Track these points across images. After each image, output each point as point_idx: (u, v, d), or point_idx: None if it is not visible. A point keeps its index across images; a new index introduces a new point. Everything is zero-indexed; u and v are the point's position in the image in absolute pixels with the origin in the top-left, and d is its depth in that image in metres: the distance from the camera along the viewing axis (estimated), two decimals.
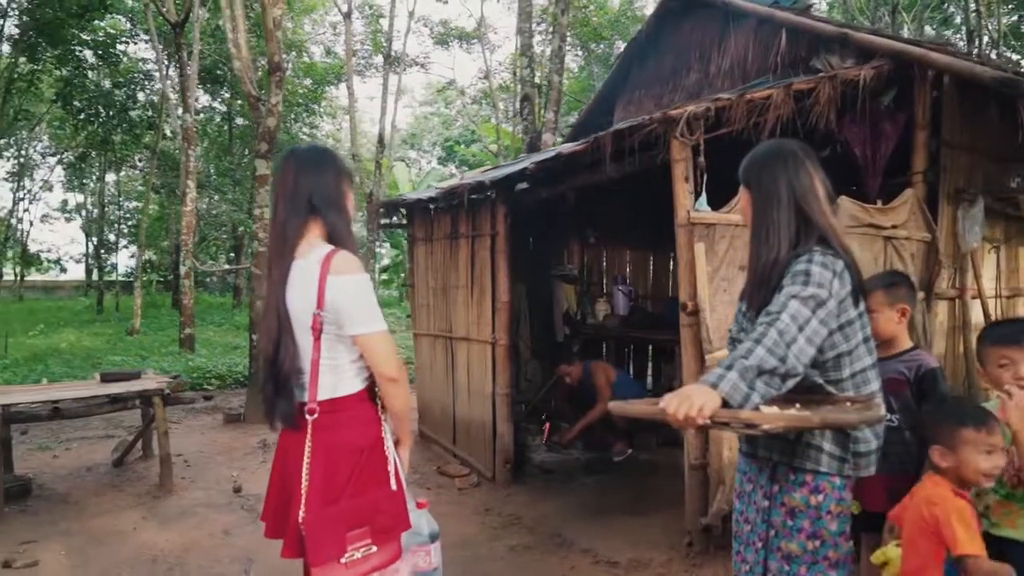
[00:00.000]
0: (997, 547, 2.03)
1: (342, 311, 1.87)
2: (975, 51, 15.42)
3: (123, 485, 5.15)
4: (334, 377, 1.94)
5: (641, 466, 5.30)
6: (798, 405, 1.77)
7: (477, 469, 5.24)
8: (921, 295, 4.11)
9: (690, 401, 1.56)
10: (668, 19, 6.33)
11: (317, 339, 1.90)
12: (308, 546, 1.83)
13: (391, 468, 1.97)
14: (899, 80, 4.17)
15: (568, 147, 4.21)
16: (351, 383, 1.96)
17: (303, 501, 1.87)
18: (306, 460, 1.90)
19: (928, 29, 18.73)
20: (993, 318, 4.41)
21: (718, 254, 3.43)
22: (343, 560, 1.84)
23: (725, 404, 1.59)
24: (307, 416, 1.92)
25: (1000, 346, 2.17)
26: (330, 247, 1.92)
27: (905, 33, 18.10)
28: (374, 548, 1.88)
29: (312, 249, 1.93)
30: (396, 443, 2.09)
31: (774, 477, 1.93)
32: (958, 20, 18.10)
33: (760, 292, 1.90)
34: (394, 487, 1.97)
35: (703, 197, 3.45)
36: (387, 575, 1.98)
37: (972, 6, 15.34)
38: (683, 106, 3.51)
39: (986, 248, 4.48)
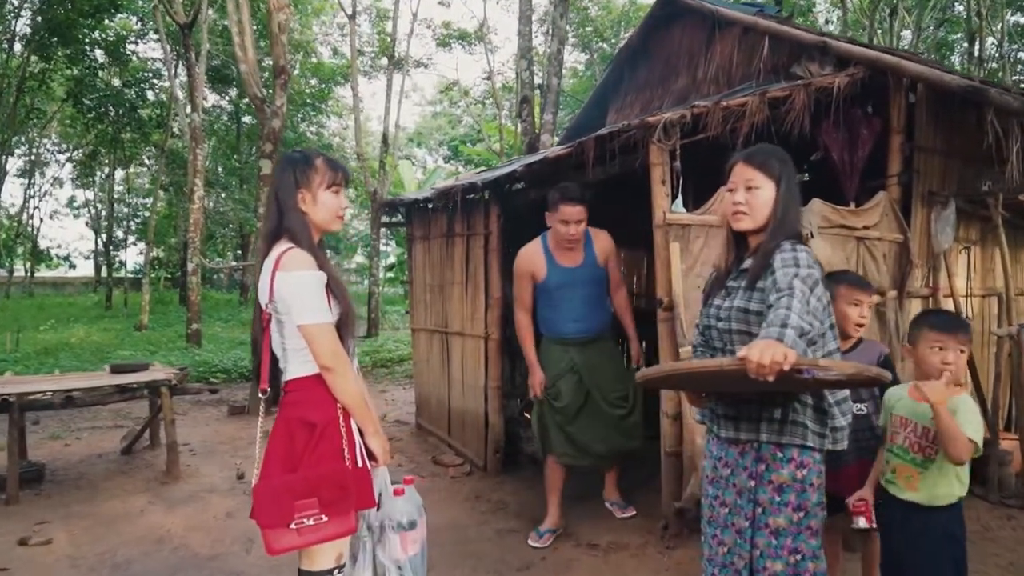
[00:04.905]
0: (902, 510, 2.24)
1: (287, 303, 2.03)
2: (976, 52, 15.56)
3: (131, 472, 5.38)
4: (284, 361, 2.12)
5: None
6: None
7: (470, 459, 5.44)
8: (894, 293, 4.30)
9: (774, 349, 1.65)
10: (658, 25, 6.50)
11: (267, 327, 2.10)
12: (255, 510, 1.99)
13: (346, 446, 2.07)
14: (876, 86, 4.34)
15: (554, 151, 4.40)
16: (301, 367, 2.09)
17: (258, 470, 2.06)
18: (259, 433, 2.12)
19: (932, 28, 18.81)
20: (965, 315, 4.59)
21: (692, 253, 3.61)
22: (292, 526, 1.94)
23: None
24: (259, 395, 2.11)
25: (936, 331, 2.34)
26: (288, 245, 2.06)
27: (907, 33, 18.22)
28: (324, 518, 1.97)
29: (277, 248, 2.09)
30: (362, 435, 2.17)
31: (760, 457, 2.06)
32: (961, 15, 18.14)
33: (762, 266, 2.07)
34: (358, 464, 2.07)
35: (679, 199, 3.64)
36: (406, 544, 2.14)
37: (974, 7, 15.45)
38: (661, 113, 3.70)
39: (958, 248, 4.66)
